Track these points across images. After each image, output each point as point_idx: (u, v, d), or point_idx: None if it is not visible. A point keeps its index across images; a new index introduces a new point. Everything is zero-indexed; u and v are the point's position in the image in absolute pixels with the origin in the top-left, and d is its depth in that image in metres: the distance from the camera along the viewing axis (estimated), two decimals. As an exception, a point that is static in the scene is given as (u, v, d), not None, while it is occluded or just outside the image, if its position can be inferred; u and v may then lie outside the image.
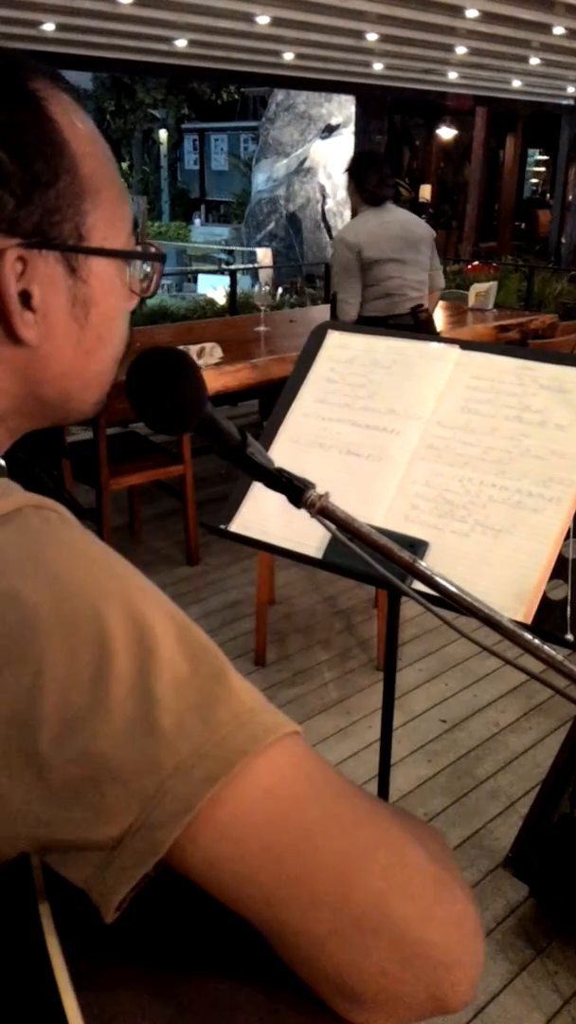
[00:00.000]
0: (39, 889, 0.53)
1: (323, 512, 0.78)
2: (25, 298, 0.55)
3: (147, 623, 0.47)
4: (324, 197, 14.28)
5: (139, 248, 0.63)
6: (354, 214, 4.10)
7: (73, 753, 0.44)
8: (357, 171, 3.94)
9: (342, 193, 13.60)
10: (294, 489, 0.78)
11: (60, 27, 5.89)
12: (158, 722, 0.45)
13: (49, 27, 5.85)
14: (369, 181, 3.88)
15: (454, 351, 1.34)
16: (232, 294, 7.80)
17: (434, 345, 1.37)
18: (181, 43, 6.63)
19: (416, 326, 3.96)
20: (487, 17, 5.85)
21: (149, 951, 0.52)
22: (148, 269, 0.66)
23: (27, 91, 0.55)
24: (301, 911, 0.47)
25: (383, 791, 1.69)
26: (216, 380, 3.71)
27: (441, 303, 5.66)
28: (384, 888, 0.49)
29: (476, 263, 9.93)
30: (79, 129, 0.57)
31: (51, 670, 0.45)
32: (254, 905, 0.48)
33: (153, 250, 0.65)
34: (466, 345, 1.34)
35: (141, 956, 0.51)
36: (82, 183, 0.57)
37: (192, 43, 6.66)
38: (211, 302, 8.60)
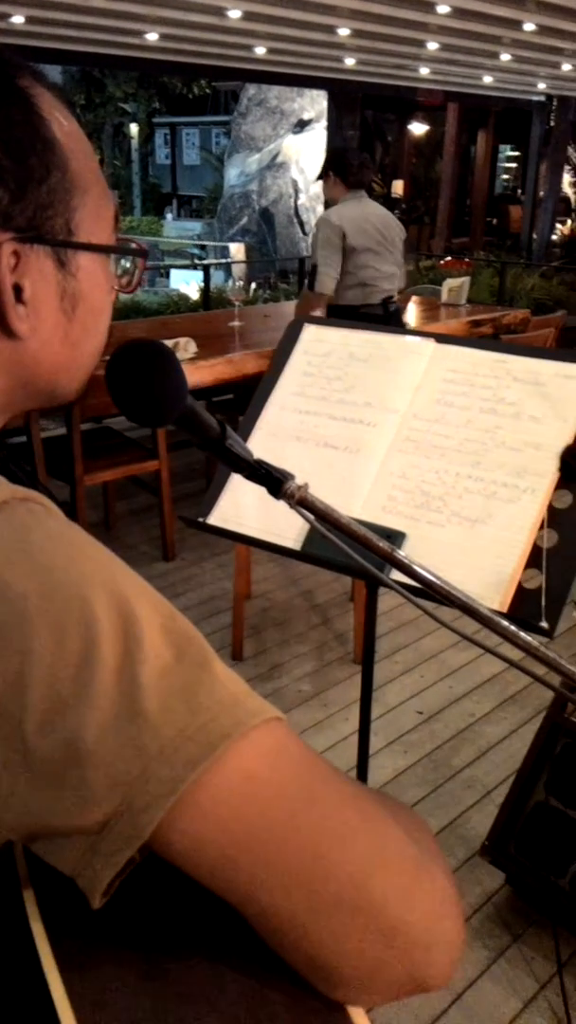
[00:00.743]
0: (23, 877, 0.54)
1: (302, 503, 0.79)
2: (17, 291, 0.56)
3: (133, 612, 0.48)
4: (297, 192, 14.25)
5: (123, 244, 0.64)
6: (327, 208, 4.13)
7: (59, 739, 0.45)
8: (337, 160, 4.02)
9: (315, 188, 13.60)
10: (273, 480, 0.78)
11: (30, 20, 5.83)
12: (143, 708, 0.46)
13: (18, 19, 5.79)
14: (352, 163, 3.96)
15: (430, 345, 1.35)
16: (205, 289, 7.78)
17: (410, 339, 1.38)
18: (152, 37, 6.59)
19: (386, 317, 4.01)
20: (458, 13, 5.88)
21: (135, 935, 0.52)
22: (128, 265, 0.67)
23: (16, 88, 0.55)
24: (283, 892, 0.48)
25: (362, 782, 1.70)
26: (191, 375, 3.67)
27: (414, 298, 5.69)
28: (364, 869, 0.49)
29: (449, 259, 9.98)
30: (65, 126, 0.58)
31: (38, 657, 0.45)
32: (237, 888, 0.48)
33: (134, 246, 0.66)
34: (441, 339, 1.35)
35: (127, 940, 0.52)
36: (71, 179, 0.58)
37: (163, 37, 6.62)
38: (184, 297, 8.56)
